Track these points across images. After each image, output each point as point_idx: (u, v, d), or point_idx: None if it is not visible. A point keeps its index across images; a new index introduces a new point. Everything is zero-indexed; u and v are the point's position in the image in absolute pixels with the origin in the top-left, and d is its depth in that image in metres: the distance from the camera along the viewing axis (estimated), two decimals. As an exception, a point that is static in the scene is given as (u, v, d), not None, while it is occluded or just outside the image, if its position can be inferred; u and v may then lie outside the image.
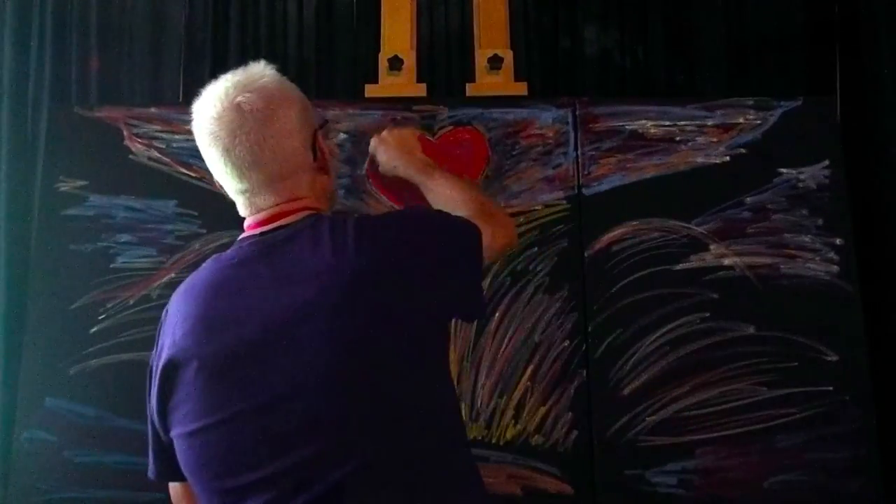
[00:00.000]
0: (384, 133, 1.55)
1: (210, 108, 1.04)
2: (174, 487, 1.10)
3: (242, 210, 1.08)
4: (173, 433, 1.00)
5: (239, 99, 1.03)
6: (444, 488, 0.96)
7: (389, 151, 1.50)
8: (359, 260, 0.95)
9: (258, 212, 1.05)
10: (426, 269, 1.00)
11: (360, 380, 0.92)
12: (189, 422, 0.96)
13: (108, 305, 2.14)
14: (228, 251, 1.05)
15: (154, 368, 1.03)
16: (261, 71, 1.10)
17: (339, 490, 0.89)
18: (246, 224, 1.07)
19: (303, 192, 1.06)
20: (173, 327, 1.02)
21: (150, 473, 1.08)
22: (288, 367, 0.92)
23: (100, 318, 2.13)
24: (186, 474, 1.01)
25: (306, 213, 1.04)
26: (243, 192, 1.05)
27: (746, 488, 2.01)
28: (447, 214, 1.13)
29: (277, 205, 1.04)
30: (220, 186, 1.10)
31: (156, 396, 1.01)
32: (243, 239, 1.05)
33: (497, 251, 1.21)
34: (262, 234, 1.03)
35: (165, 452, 1.03)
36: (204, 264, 1.07)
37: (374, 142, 1.56)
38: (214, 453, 0.95)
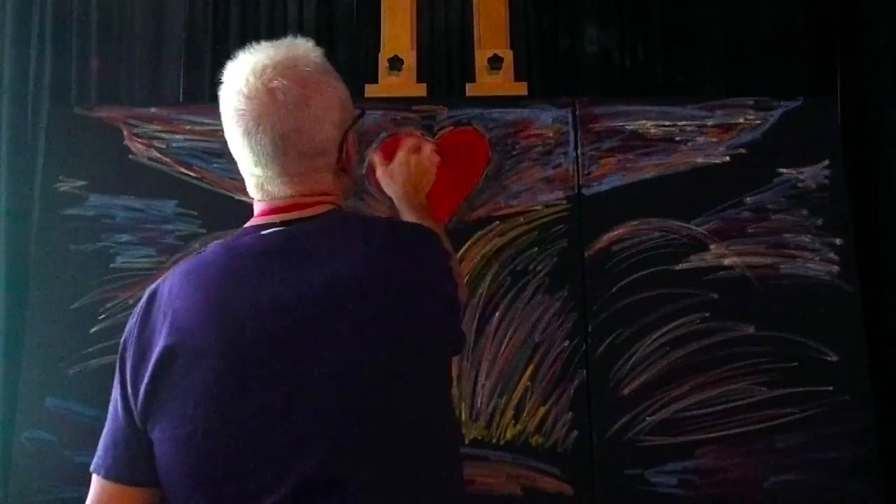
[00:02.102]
0: (409, 154, 1.45)
1: (242, 82, 0.96)
2: (118, 493, 0.92)
3: (253, 192, 1.02)
4: (157, 430, 0.89)
5: (275, 84, 0.95)
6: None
7: (400, 178, 1.44)
8: (392, 269, 0.92)
9: (271, 199, 0.99)
10: (438, 297, 0.98)
11: (380, 390, 0.88)
12: (190, 421, 0.87)
13: (108, 305, 2.14)
14: (245, 238, 0.97)
15: (136, 354, 0.93)
16: (305, 53, 1.01)
17: (340, 499, 0.85)
18: (258, 208, 1.01)
19: (324, 186, 1.00)
20: (174, 312, 0.92)
21: (99, 469, 0.93)
22: (313, 368, 0.86)
23: (100, 318, 2.13)
24: (169, 477, 0.88)
25: (329, 207, 1.00)
26: (257, 176, 0.99)
27: (746, 488, 2.01)
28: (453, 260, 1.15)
29: (293, 196, 0.98)
30: (237, 165, 1.03)
31: (144, 385, 0.90)
32: (260, 226, 0.98)
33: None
34: (283, 222, 0.96)
35: (131, 449, 0.91)
36: (209, 249, 0.98)
37: (400, 156, 1.47)
38: (218, 455, 0.86)
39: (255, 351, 0.87)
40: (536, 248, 2.16)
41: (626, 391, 2.07)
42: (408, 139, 1.48)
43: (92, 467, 0.95)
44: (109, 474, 0.92)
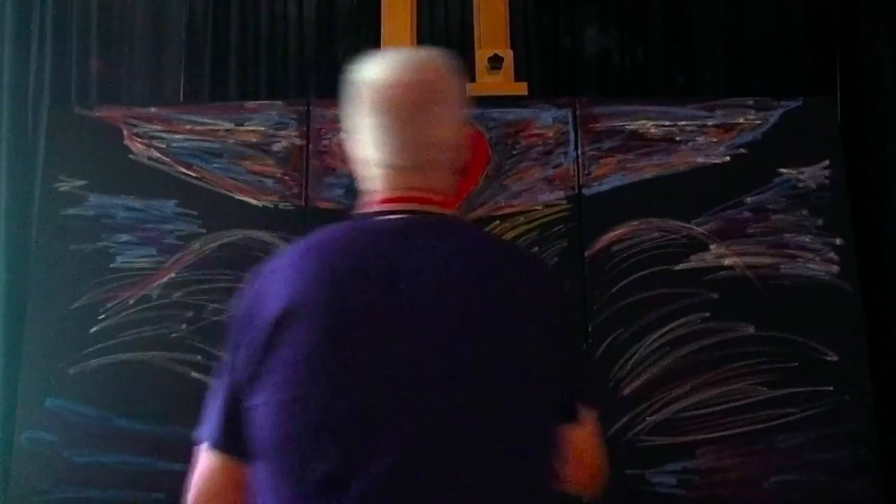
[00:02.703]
0: None
1: (393, 72, 0.96)
2: (223, 465, 0.92)
3: (377, 183, 0.98)
4: (261, 396, 0.87)
5: (427, 73, 0.96)
6: None
7: None
8: (515, 275, 0.92)
9: (394, 189, 0.96)
10: (562, 328, 0.95)
11: (503, 408, 0.85)
12: (289, 387, 0.85)
13: (108, 305, 2.14)
14: (374, 220, 0.95)
15: (246, 321, 0.91)
16: (438, 55, 1.01)
17: (446, 494, 0.82)
18: (376, 198, 0.98)
19: (447, 188, 0.99)
20: (288, 280, 0.90)
21: (207, 439, 0.93)
22: (417, 349, 0.84)
23: (100, 318, 2.13)
24: (264, 449, 0.87)
25: (449, 210, 0.98)
26: (389, 164, 0.96)
27: (746, 488, 2.01)
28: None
29: (421, 188, 0.96)
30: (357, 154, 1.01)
31: (253, 352, 0.88)
32: (379, 213, 0.96)
33: (585, 464, 1.11)
34: (408, 211, 0.94)
35: (239, 419, 0.89)
36: (335, 226, 0.96)
37: None
38: (306, 428, 0.84)
39: (364, 323, 0.86)
40: (536, 248, 2.16)
41: (626, 391, 2.07)
42: None
43: (198, 438, 0.94)
44: (219, 447, 0.92)
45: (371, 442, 0.82)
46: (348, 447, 0.83)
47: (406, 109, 0.95)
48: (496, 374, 0.85)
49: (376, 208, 0.96)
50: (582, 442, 0.99)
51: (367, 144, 0.98)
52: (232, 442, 0.90)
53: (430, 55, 1.00)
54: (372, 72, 0.97)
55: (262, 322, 0.89)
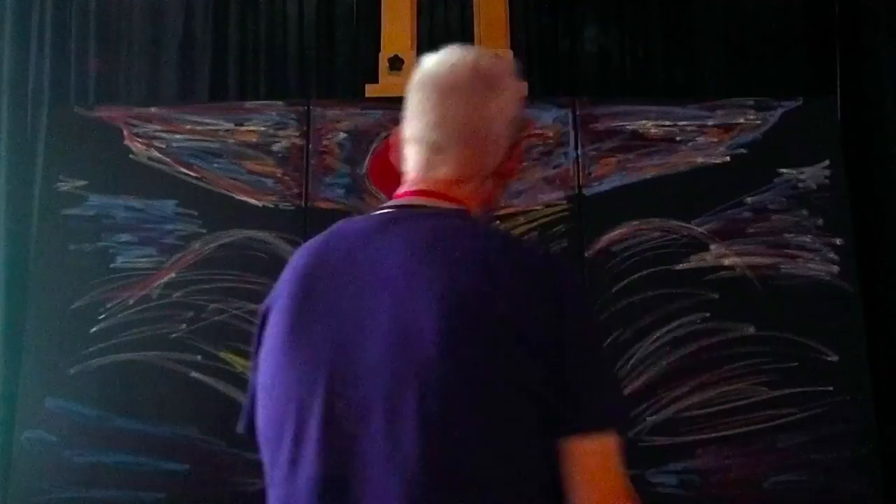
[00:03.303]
0: None
1: (445, 55, 0.98)
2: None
3: (410, 164, 0.98)
4: (258, 387, 0.95)
5: (482, 62, 0.96)
6: None
7: None
8: (504, 268, 0.86)
9: (412, 183, 0.97)
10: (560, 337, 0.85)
11: (451, 380, 0.83)
12: (265, 366, 0.92)
13: (108, 305, 2.14)
14: (366, 217, 0.98)
15: (260, 315, 0.98)
16: (477, 50, 1.01)
17: (407, 484, 0.81)
18: (403, 188, 0.98)
19: (471, 175, 0.97)
20: (283, 278, 0.96)
21: (239, 427, 1.00)
22: (378, 340, 0.85)
23: (100, 318, 2.13)
24: (259, 435, 0.94)
25: (455, 205, 0.95)
26: (419, 140, 0.96)
27: (746, 488, 2.01)
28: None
29: (447, 180, 0.95)
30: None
31: (255, 346, 0.97)
32: (394, 205, 0.96)
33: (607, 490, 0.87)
34: (405, 206, 0.95)
35: (253, 405, 0.96)
36: (335, 225, 0.99)
37: None
38: (273, 416, 0.90)
39: (319, 319, 0.89)
40: (536, 248, 2.16)
41: (626, 391, 2.07)
42: None
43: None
44: (247, 431, 0.98)
45: (316, 434, 0.85)
46: (297, 436, 0.86)
47: (447, 85, 0.95)
48: (443, 374, 0.83)
49: (396, 201, 0.97)
50: (590, 459, 0.85)
51: (406, 122, 0.98)
52: (250, 426, 0.96)
53: (488, 52, 1.01)
54: (428, 59, 0.98)
55: (258, 319, 0.96)
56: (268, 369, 0.92)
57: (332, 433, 0.85)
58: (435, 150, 0.96)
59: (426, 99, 0.96)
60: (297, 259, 0.97)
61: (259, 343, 0.96)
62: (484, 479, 0.83)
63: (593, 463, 0.85)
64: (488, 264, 0.86)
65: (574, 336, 0.85)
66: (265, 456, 0.92)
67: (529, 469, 0.85)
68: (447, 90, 0.95)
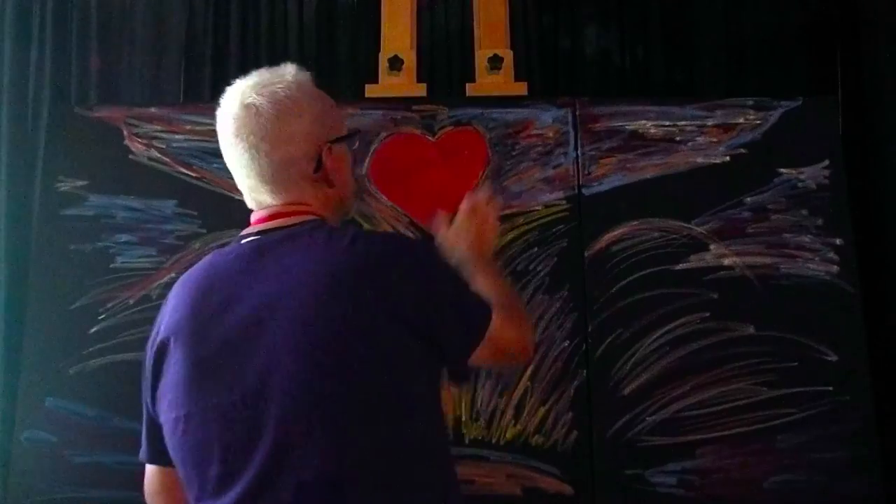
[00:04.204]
0: (468, 216, 1.35)
1: (228, 105, 1.08)
2: (157, 472, 1.10)
3: (248, 203, 1.11)
4: (162, 418, 1.02)
5: (249, 100, 1.06)
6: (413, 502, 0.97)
7: (463, 243, 1.31)
8: (342, 267, 0.97)
9: (260, 209, 1.09)
10: (415, 298, 0.98)
11: (327, 384, 0.93)
12: (174, 407, 0.99)
13: (108, 305, 2.14)
14: (230, 247, 1.08)
15: (149, 350, 1.07)
16: (282, 74, 1.11)
17: (301, 490, 0.91)
18: (251, 219, 1.10)
19: (306, 197, 1.08)
20: (170, 311, 1.06)
21: (141, 455, 1.10)
22: (260, 364, 0.95)
23: (100, 318, 2.13)
24: (174, 460, 1.02)
25: (308, 217, 1.06)
26: (248, 187, 1.09)
27: (746, 488, 2.01)
28: (462, 278, 1.11)
29: (276, 205, 1.07)
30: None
31: (149, 378, 1.04)
32: (244, 235, 1.08)
33: (500, 351, 1.11)
34: (260, 232, 1.06)
35: (156, 435, 1.04)
36: (206, 256, 1.10)
37: (459, 219, 1.34)
38: (195, 441, 0.97)
39: (216, 350, 0.98)
40: (536, 248, 2.16)
41: (626, 391, 2.07)
42: (468, 198, 1.34)
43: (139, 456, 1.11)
44: (150, 459, 1.09)
45: (239, 454, 0.94)
46: (224, 458, 0.95)
47: (243, 129, 1.05)
48: (340, 382, 0.93)
49: (244, 232, 1.08)
50: (485, 354, 1.07)
51: (232, 172, 1.10)
52: (157, 455, 1.06)
53: (274, 75, 1.09)
54: (222, 104, 1.08)
55: (150, 350, 1.05)
56: (176, 401, 0.99)
57: (257, 452, 0.93)
58: (260, 191, 1.08)
59: (228, 155, 1.07)
60: (182, 293, 1.05)
61: (156, 376, 1.03)
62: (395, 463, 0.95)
63: (494, 339, 1.05)
64: (338, 270, 0.96)
65: (437, 289, 1.01)
66: (187, 478, 1.00)
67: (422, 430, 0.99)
68: (241, 138, 1.05)
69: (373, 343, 0.95)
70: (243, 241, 1.06)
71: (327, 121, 1.11)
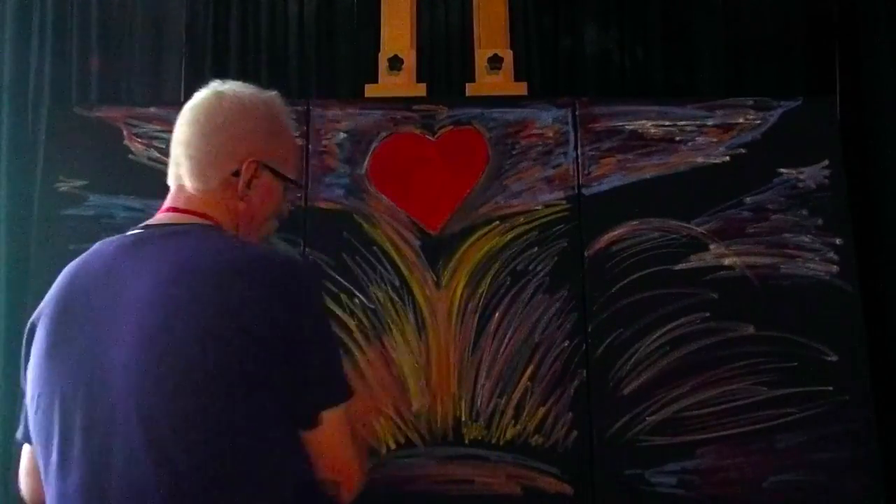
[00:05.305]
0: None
1: (182, 114, 1.14)
2: (29, 451, 1.11)
3: (168, 180, 1.19)
4: (27, 397, 1.06)
5: (193, 113, 1.11)
6: None
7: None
8: (215, 269, 0.97)
9: (172, 200, 1.15)
10: (285, 323, 0.95)
11: (159, 388, 0.92)
12: (34, 387, 1.03)
13: (108, 305, 2.13)
14: (119, 235, 1.13)
15: (26, 331, 1.10)
16: (253, 89, 1.17)
17: (131, 485, 0.91)
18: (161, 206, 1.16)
19: (213, 200, 1.10)
20: (48, 294, 1.08)
21: (17, 434, 1.13)
22: (103, 357, 0.95)
23: (100, 318, 2.13)
24: (32, 439, 1.05)
25: (203, 221, 1.08)
26: (174, 175, 1.15)
27: (746, 488, 2.01)
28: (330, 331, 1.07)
29: (181, 198, 1.13)
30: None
31: (23, 357, 1.09)
32: (137, 227, 1.13)
33: (340, 447, 1.03)
34: (148, 226, 1.11)
35: (27, 415, 1.08)
36: (97, 244, 1.14)
37: None
38: (43, 424, 1.00)
39: (73, 332, 0.99)
40: (536, 248, 2.16)
41: (626, 391, 2.07)
42: None
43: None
44: (24, 438, 1.11)
45: (79, 442, 0.95)
46: (61, 446, 0.96)
47: (182, 141, 1.11)
48: (181, 385, 0.92)
49: (147, 221, 1.12)
50: (319, 445, 1.00)
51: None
52: (28, 434, 1.08)
53: (224, 90, 1.13)
54: (197, 95, 1.14)
55: (26, 334, 1.08)
56: (35, 380, 1.02)
57: (92, 442, 0.94)
58: (179, 190, 1.14)
59: (174, 153, 1.14)
60: (61, 278, 1.07)
61: (27, 355, 1.06)
62: (234, 476, 0.93)
63: (324, 441, 1.00)
64: (222, 279, 0.95)
65: (308, 332, 0.98)
66: (39, 459, 1.02)
67: (276, 461, 0.96)
68: (177, 141, 1.13)
69: (215, 351, 0.92)
70: (129, 233, 1.10)
71: (263, 144, 1.14)
